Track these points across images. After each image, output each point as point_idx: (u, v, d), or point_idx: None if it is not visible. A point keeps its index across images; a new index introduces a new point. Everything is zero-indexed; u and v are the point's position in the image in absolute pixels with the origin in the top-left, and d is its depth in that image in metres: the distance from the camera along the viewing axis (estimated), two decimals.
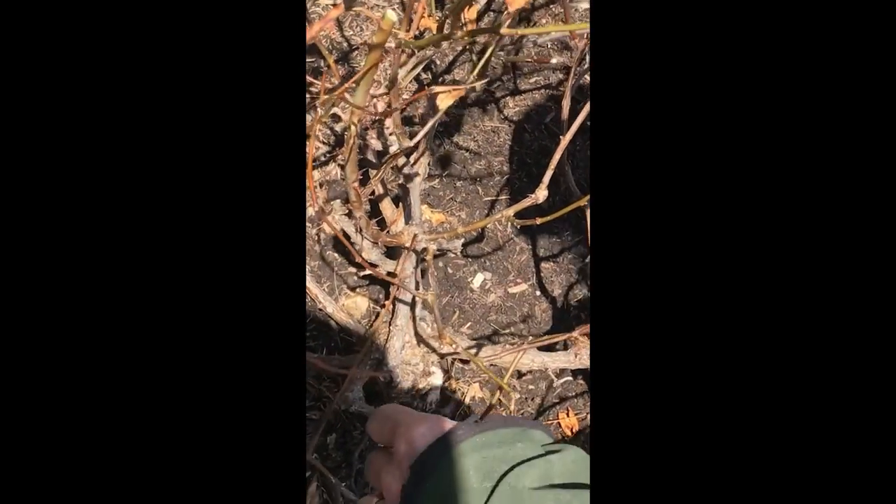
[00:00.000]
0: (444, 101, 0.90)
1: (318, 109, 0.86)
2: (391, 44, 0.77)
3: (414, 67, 1.01)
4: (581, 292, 1.19)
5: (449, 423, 0.52)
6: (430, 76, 1.19)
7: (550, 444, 0.50)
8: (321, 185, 1.14)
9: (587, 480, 0.47)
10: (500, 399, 1.00)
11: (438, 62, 1.17)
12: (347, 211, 1.01)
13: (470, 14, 0.86)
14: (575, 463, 0.48)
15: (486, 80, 1.27)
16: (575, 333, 0.98)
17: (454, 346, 1.06)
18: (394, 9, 1.37)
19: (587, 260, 1.13)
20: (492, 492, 0.46)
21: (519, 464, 0.47)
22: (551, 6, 1.23)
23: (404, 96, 1.15)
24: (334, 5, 1.00)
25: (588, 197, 0.80)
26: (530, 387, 1.15)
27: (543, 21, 1.30)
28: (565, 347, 1.06)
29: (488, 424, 0.51)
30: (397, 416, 0.55)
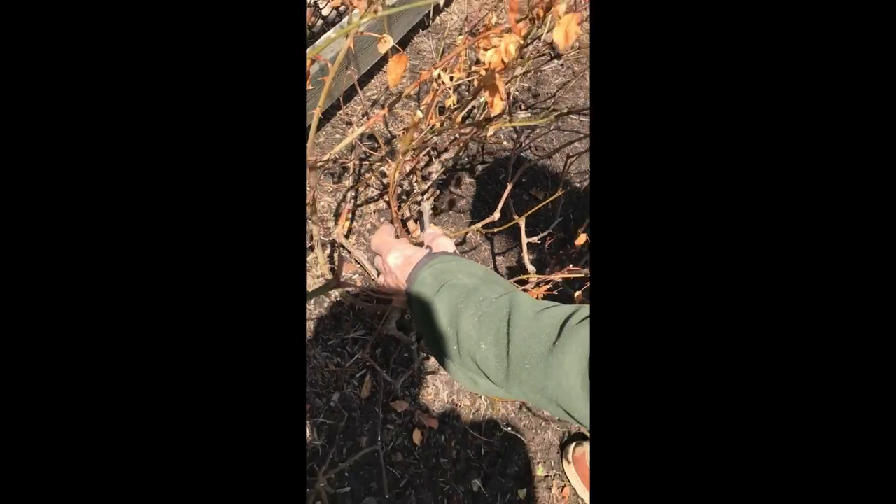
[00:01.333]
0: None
1: (371, 166, 1.18)
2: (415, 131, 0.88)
3: (425, 144, 1.16)
4: (517, 275, 1.27)
5: (410, 248, 0.69)
6: (435, 151, 1.37)
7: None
8: (376, 212, 1.33)
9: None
10: None
11: (439, 144, 1.38)
12: (389, 223, 1.07)
13: (457, 118, 1.02)
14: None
15: (460, 151, 1.36)
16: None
17: None
18: (420, 109, 1.32)
19: (522, 254, 1.23)
20: (439, 289, 0.61)
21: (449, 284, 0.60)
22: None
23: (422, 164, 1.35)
24: (382, 108, 1.14)
25: (522, 218, 1.09)
26: None
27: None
28: None
29: (437, 254, 0.68)
30: (384, 240, 0.72)
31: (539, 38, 1.09)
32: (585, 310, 0.54)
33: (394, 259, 0.69)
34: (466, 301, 0.57)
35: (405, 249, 0.69)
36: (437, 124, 0.97)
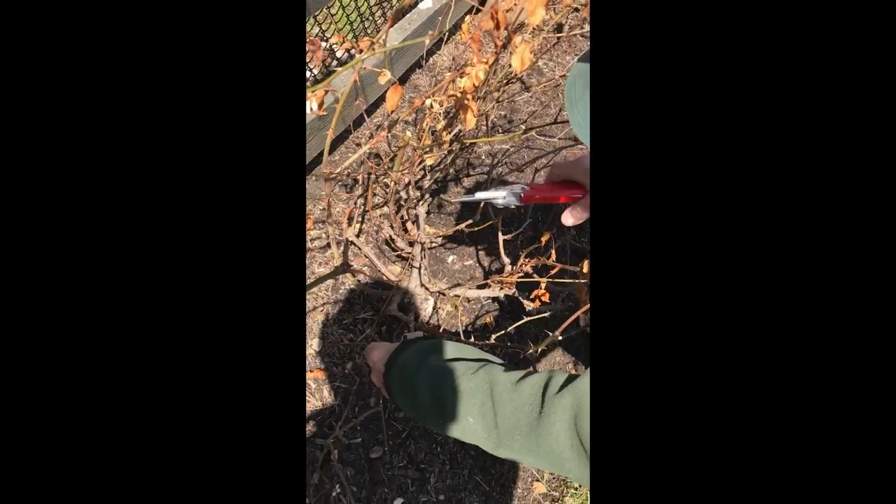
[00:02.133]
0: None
1: (376, 178, 1.28)
2: (409, 149, 1.08)
3: (421, 160, 1.22)
4: (496, 265, 1.43)
5: (390, 346, 0.69)
6: (429, 166, 1.41)
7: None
8: (381, 215, 1.40)
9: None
10: (459, 310, 1.37)
11: (434, 161, 1.31)
12: (391, 224, 1.34)
13: (446, 137, 1.11)
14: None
15: (445, 165, 1.40)
16: (492, 281, 1.25)
17: (437, 287, 1.36)
18: (411, 131, 1.53)
19: (498, 248, 1.30)
20: (417, 370, 0.60)
21: (429, 358, 0.60)
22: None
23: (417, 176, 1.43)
24: (384, 130, 1.07)
25: (498, 219, 1.22)
26: (473, 305, 1.42)
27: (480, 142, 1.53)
28: (487, 287, 1.31)
29: (412, 340, 0.68)
30: (369, 349, 0.74)
31: (511, 74, 1.23)
32: (559, 377, 0.54)
33: (375, 354, 0.71)
34: (445, 381, 0.58)
35: (385, 345, 0.72)
36: (428, 142, 1.08)
